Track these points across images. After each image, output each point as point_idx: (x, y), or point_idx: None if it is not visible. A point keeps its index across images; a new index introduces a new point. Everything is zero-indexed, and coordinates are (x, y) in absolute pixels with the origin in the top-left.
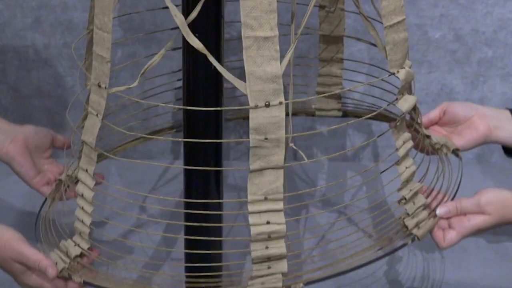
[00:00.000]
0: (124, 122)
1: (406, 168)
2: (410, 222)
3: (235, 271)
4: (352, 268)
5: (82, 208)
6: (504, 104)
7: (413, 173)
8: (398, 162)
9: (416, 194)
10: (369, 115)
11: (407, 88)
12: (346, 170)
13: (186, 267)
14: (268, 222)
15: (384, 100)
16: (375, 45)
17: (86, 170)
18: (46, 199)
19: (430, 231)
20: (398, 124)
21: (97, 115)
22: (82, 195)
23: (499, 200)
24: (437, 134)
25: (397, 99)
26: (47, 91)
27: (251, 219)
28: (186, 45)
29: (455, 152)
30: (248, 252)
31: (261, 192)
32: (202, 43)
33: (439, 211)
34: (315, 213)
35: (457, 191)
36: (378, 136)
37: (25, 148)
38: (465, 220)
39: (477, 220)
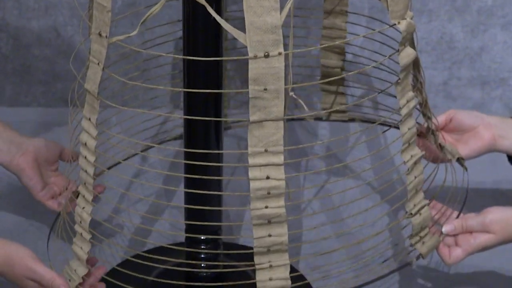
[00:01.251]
0: (125, 72)
1: (409, 129)
2: (414, 239)
3: (235, 223)
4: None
5: (85, 157)
6: (504, 53)
7: (415, 135)
8: (400, 122)
9: (417, 163)
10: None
11: (409, 39)
12: (347, 123)
13: (186, 216)
14: (268, 177)
15: (383, 55)
16: None
17: (89, 119)
18: (59, 213)
19: (436, 248)
20: (400, 81)
21: (98, 63)
22: (85, 144)
23: (504, 219)
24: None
25: (398, 51)
26: (47, 40)
27: (251, 173)
28: None
29: (460, 160)
30: (247, 201)
31: (261, 144)
32: None
33: (445, 229)
34: (317, 170)
35: (463, 205)
36: (379, 93)
37: (34, 161)
38: (471, 238)
39: (482, 239)
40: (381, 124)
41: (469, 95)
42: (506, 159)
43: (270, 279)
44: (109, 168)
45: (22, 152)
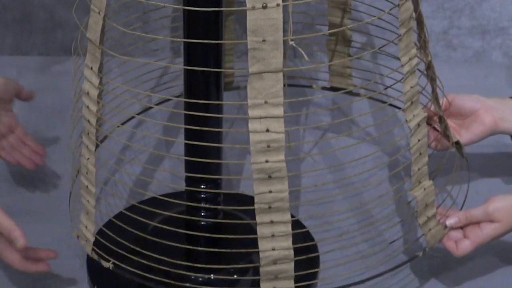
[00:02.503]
0: (126, 24)
1: (411, 87)
2: (421, 219)
3: (234, 177)
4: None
5: (88, 107)
6: (504, 2)
7: (418, 94)
8: (402, 80)
9: (420, 125)
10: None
11: None
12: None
13: (186, 166)
14: (267, 130)
15: (382, 9)
16: None
17: (91, 68)
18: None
19: (440, 241)
20: (402, 37)
21: (99, 12)
22: (87, 93)
23: (508, 206)
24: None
25: (398, 5)
26: None
27: (251, 125)
28: None
29: (457, 146)
30: (247, 151)
31: (261, 96)
32: None
33: (448, 222)
34: (318, 125)
35: (465, 200)
36: (380, 48)
37: None
38: (478, 229)
39: (489, 229)
40: (383, 102)
41: (469, 44)
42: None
43: (273, 249)
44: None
45: None
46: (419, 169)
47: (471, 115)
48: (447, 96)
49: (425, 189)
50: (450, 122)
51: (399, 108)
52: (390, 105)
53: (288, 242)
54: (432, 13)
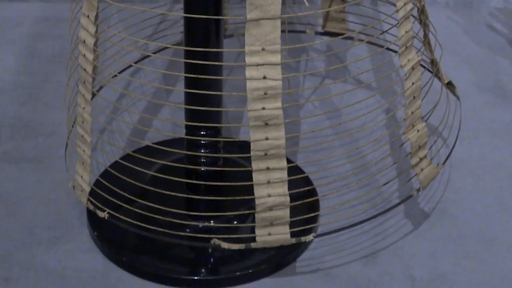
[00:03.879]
0: None
1: (406, 32)
2: (414, 159)
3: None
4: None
5: (84, 55)
6: None
7: (412, 38)
8: (397, 25)
9: (415, 68)
10: None
11: None
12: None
13: (185, 114)
14: (264, 77)
15: None
16: None
17: (88, 16)
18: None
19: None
20: None
21: None
22: (84, 41)
23: None
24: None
25: None
26: None
27: (248, 72)
28: None
29: (449, 85)
30: (246, 99)
31: (259, 43)
32: None
33: None
34: (315, 71)
35: (456, 138)
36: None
37: None
38: None
39: None
40: (376, 44)
41: None
42: None
43: (269, 195)
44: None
45: None
46: (412, 112)
47: None
48: None
49: (418, 131)
50: None
51: (395, 51)
52: (387, 49)
53: (284, 189)
54: None
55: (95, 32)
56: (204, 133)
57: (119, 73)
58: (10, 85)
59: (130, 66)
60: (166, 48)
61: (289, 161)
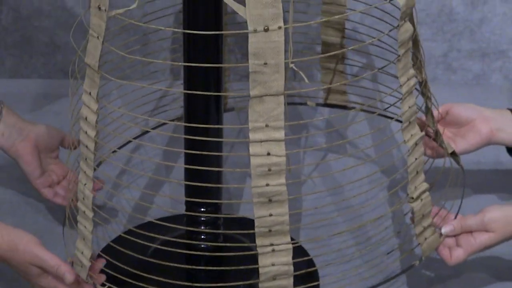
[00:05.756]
0: (125, 47)
1: (409, 107)
2: (417, 228)
3: (235, 201)
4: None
5: (86, 132)
6: (504, 24)
7: (416, 114)
8: (401, 100)
9: (418, 144)
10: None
11: (409, 14)
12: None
13: (186, 190)
14: (268, 153)
15: (381, 31)
16: None
17: (90, 93)
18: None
19: (436, 249)
20: (400, 57)
21: (98, 37)
22: (85, 118)
23: (503, 217)
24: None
25: (398, 26)
26: (47, 12)
27: (252, 148)
28: None
29: (454, 157)
30: (248, 174)
31: (262, 119)
32: None
33: (444, 230)
34: (317, 147)
35: (460, 206)
36: (379, 69)
37: (35, 147)
38: (471, 238)
39: (483, 238)
40: (381, 115)
41: (469, 67)
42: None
43: (273, 265)
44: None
45: (23, 138)
46: (415, 188)
47: (467, 125)
48: (444, 105)
49: (422, 200)
50: (446, 131)
51: (400, 121)
52: (397, 120)
53: (288, 258)
54: (432, 36)
55: (97, 109)
56: (204, 209)
57: (119, 148)
58: (10, 161)
59: (130, 141)
60: (165, 123)
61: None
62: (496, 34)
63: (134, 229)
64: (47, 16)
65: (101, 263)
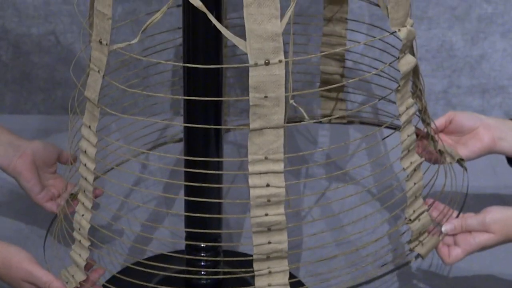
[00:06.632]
0: (125, 80)
1: (408, 136)
2: (413, 244)
3: (235, 231)
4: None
5: (85, 165)
6: (504, 60)
7: (414, 142)
8: (400, 129)
9: (416, 169)
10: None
11: (409, 47)
12: (347, 128)
13: (186, 224)
14: (268, 185)
15: (383, 62)
16: (376, 4)
17: (89, 127)
18: (56, 215)
19: (435, 248)
20: (400, 88)
21: (98, 71)
22: (85, 151)
23: (504, 219)
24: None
25: (398, 58)
26: (47, 48)
27: (251, 180)
28: (186, 2)
29: (460, 162)
30: (247, 209)
31: (262, 152)
32: (202, 0)
33: (444, 228)
34: (317, 177)
35: (463, 205)
36: (379, 100)
37: (32, 163)
38: (470, 238)
39: (482, 238)
40: (378, 125)
41: (469, 103)
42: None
43: (269, 285)
44: (105, 173)
45: (20, 155)
46: (414, 211)
47: (470, 133)
48: (448, 114)
49: (419, 220)
50: (448, 139)
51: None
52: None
53: (285, 279)
54: (432, 71)
55: (97, 142)
56: (204, 246)
57: (115, 166)
58: (10, 197)
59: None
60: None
61: (291, 275)
62: (496, 70)
63: (132, 266)
64: (47, 52)
65: (97, 275)
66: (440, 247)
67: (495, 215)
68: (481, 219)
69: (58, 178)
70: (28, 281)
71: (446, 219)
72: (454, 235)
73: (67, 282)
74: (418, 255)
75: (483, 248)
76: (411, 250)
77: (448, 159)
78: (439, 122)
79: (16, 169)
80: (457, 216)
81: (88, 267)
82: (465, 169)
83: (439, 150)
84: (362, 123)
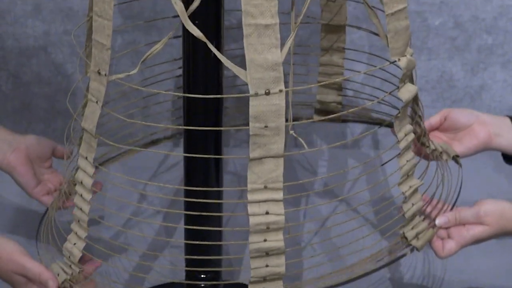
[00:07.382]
0: (124, 109)
1: (407, 161)
2: (409, 234)
3: (234, 257)
4: (352, 279)
5: (81, 195)
6: (504, 91)
7: (414, 167)
8: (399, 155)
9: (415, 191)
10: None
11: (409, 76)
12: (346, 158)
13: (186, 252)
14: (267, 213)
15: (383, 91)
16: (376, 34)
17: (86, 158)
18: (47, 209)
19: (429, 241)
20: (399, 115)
21: (97, 102)
22: (81, 182)
23: (498, 211)
24: (437, 140)
25: (398, 87)
26: (47, 78)
27: (250, 208)
28: (186, 32)
29: (455, 158)
30: (247, 237)
31: (261, 181)
32: (202, 30)
33: (438, 221)
34: (316, 204)
35: (457, 199)
36: (379, 127)
37: (26, 158)
38: (464, 230)
39: (476, 231)
40: (373, 123)
41: None
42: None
43: None
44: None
45: (13, 150)
46: (412, 228)
47: (465, 129)
48: (443, 111)
49: (419, 239)
50: (443, 136)
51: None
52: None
53: None
54: (432, 102)
55: (93, 174)
56: (204, 276)
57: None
58: (12, 221)
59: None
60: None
61: None
62: (496, 101)
63: None
64: (47, 82)
65: (91, 268)
66: (434, 241)
67: (489, 207)
68: (475, 212)
69: (54, 172)
70: (19, 273)
71: (439, 212)
72: (448, 228)
73: (58, 274)
74: (414, 248)
75: (478, 240)
76: (407, 240)
77: (444, 156)
78: (434, 119)
79: (10, 164)
80: (451, 209)
81: (85, 258)
82: (460, 165)
83: (435, 154)
84: (356, 121)
